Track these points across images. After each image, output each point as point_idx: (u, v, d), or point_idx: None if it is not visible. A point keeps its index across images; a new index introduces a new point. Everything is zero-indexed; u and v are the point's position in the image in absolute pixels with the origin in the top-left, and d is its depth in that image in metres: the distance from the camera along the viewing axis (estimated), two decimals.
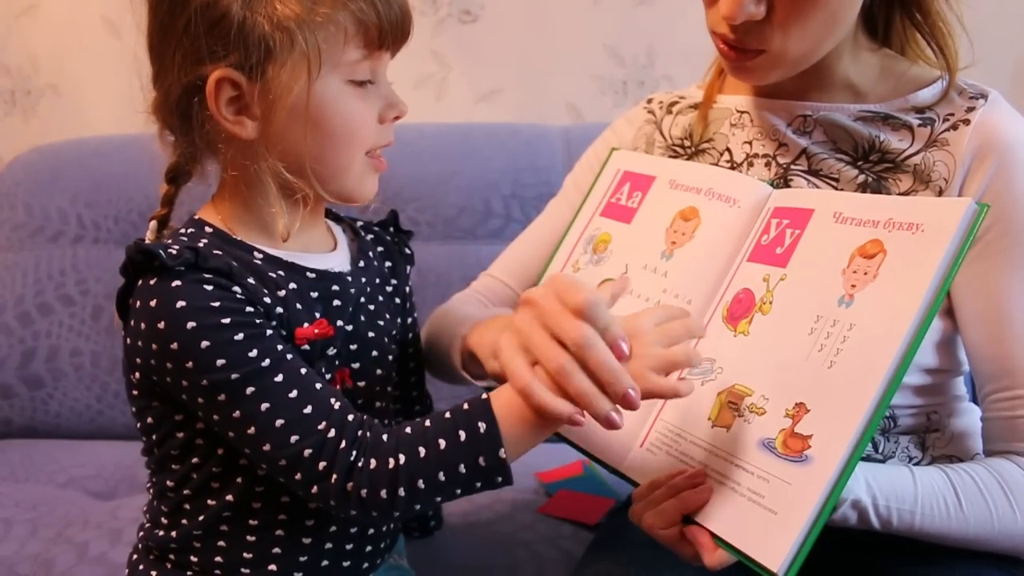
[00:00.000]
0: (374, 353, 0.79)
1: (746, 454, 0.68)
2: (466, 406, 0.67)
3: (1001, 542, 0.74)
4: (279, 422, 0.66)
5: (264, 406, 0.66)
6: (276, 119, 0.69)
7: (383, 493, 0.65)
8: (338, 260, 0.79)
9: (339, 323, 0.75)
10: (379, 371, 0.80)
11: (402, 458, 0.66)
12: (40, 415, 1.40)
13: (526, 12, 1.69)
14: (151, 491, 0.78)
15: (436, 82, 1.71)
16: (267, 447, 0.66)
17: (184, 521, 0.75)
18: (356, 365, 0.77)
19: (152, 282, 0.67)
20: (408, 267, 0.90)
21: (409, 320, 0.89)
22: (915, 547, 0.77)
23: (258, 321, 0.68)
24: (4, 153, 1.77)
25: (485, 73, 1.71)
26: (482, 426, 0.65)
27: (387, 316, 0.83)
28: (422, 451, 0.66)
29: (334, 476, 0.66)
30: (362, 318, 0.79)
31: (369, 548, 0.80)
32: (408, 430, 0.67)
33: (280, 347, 0.68)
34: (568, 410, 0.63)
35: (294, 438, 0.66)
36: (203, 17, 0.67)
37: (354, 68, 0.71)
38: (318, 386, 0.69)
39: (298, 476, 0.67)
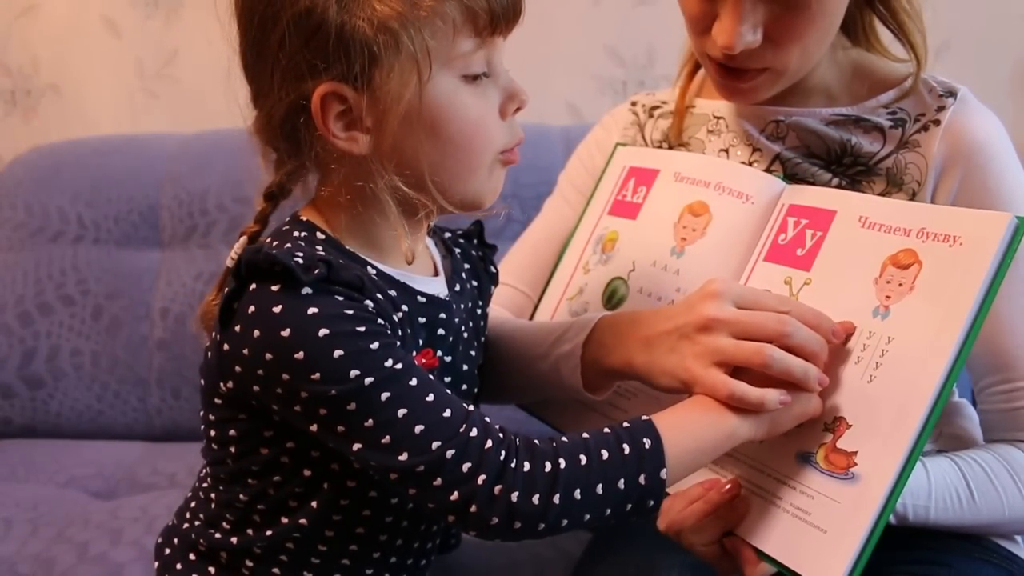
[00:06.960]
0: (464, 387, 0.75)
1: (784, 466, 0.67)
2: (626, 424, 0.64)
3: (1011, 526, 0.78)
4: (419, 428, 0.61)
5: (401, 412, 0.61)
6: (389, 129, 0.64)
7: (536, 499, 0.61)
8: (442, 285, 0.74)
9: (439, 353, 0.71)
10: (465, 404, 0.77)
11: (562, 462, 0.61)
12: (40, 415, 1.40)
13: (526, 12, 1.68)
14: (212, 496, 0.73)
15: None
16: (403, 456, 0.61)
17: (249, 531, 0.71)
18: None
19: (275, 288, 0.61)
20: (492, 287, 0.84)
21: (481, 341, 0.81)
22: (915, 547, 0.78)
23: (389, 332, 0.64)
24: (4, 153, 1.76)
25: None
26: (647, 442, 0.63)
27: (475, 344, 0.78)
28: (583, 459, 0.62)
29: (481, 477, 0.61)
30: (459, 348, 0.74)
31: None
32: (564, 439, 0.64)
33: (409, 357, 0.64)
34: (779, 397, 0.64)
35: (436, 444, 0.61)
36: (297, 29, 0.62)
37: (468, 61, 0.65)
38: (448, 392, 0.64)
39: (438, 481, 0.61)
